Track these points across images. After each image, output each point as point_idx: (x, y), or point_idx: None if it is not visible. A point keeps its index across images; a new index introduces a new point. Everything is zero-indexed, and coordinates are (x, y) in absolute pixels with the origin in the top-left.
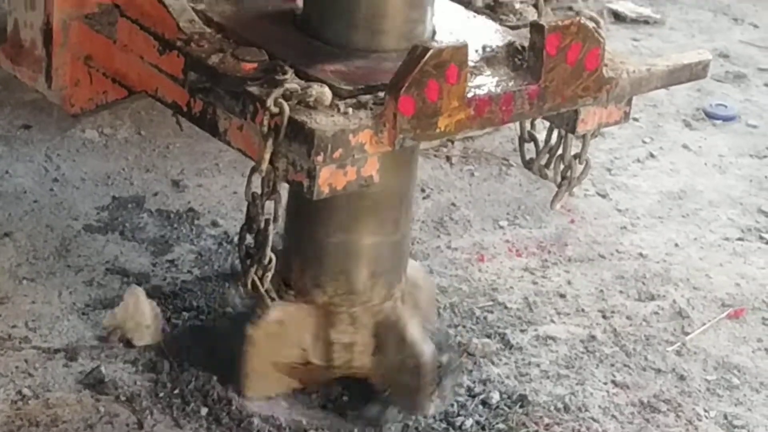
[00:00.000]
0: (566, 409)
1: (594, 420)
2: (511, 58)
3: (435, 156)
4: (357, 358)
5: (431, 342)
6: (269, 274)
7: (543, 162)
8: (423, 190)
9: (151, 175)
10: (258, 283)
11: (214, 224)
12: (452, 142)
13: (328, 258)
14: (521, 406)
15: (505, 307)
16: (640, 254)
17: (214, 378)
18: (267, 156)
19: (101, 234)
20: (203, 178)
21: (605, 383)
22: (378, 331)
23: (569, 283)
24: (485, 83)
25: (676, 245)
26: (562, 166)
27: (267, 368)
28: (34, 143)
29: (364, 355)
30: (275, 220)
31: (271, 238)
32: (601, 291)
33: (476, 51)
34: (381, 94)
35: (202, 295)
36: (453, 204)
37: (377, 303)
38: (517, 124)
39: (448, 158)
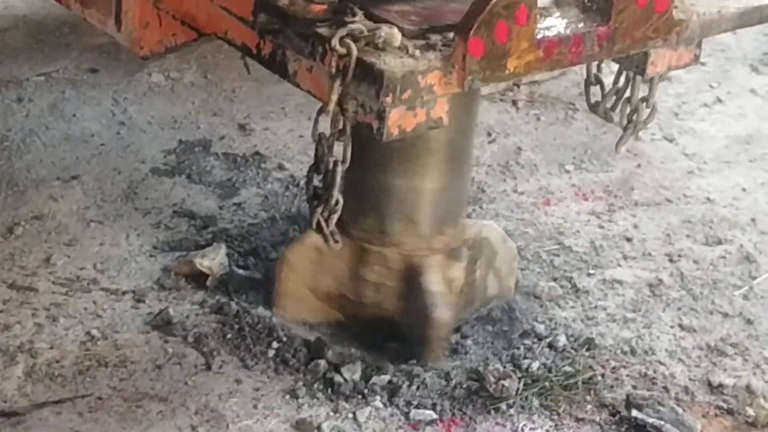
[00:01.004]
0: (633, 352)
1: (660, 363)
2: None
3: (501, 100)
4: (386, 299)
5: (447, 302)
6: (335, 216)
7: (609, 105)
8: (489, 134)
9: (217, 118)
10: (323, 224)
11: (281, 167)
12: (518, 86)
13: (362, 195)
14: (588, 349)
15: (572, 251)
16: (707, 198)
17: (278, 317)
18: (335, 97)
19: (168, 177)
20: (269, 122)
21: (672, 327)
22: (406, 276)
23: (636, 227)
24: (554, 24)
25: (743, 190)
26: (628, 109)
27: (304, 292)
28: (101, 87)
29: (393, 298)
30: (344, 161)
31: (338, 179)
32: (668, 235)
33: None
34: (450, 35)
35: (268, 238)
36: (519, 148)
37: (410, 248)
38: (583, 67)
39: (514, 102)
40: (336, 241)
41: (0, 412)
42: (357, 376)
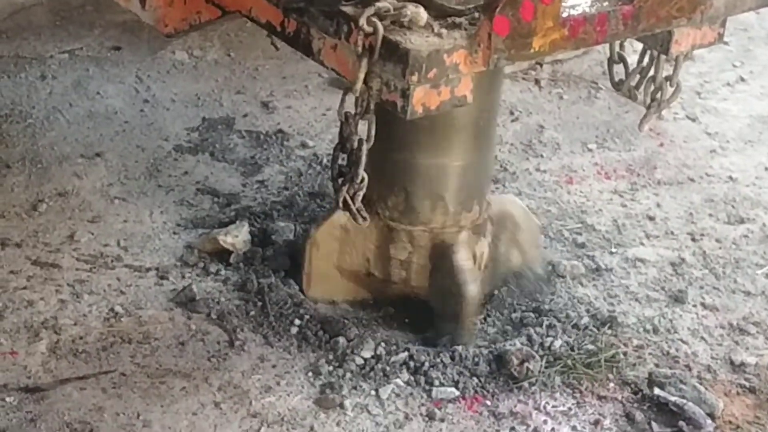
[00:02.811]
0: (655, 330)
1: (683, 342)
2: None
3: (524, 79)
4: (414, 277)
5: (476, 278)
6: (361, 194)
7: (633, 83)
8: (512, 113)
9: (240, 96)
10: (350, 201)
11: (304, 145)
12: (541, 65)
13: (388, 174)
14: (610, 328)
15: (594, 230)
16: (730, 177)
17: (303, 297)
18: (361, 76)
19: (191, 154)
20: (292, 100)
21: (694, 305)
22: (434, 254)
23: (658, 205)
24: (580, 3)
25: (766, 169)
26: (652, 88)
27: (330, 271)
28: (125, 64)
29: (421, 276)
30: (368, 140)
31: (364, 157)
32: (691, 214)
33: None
34: (476, 14)
35: (291, 216)
36: (542, 127)
37: (437, 226)
38: (607, 45)
39: (536, 81)
40: (364, 218)
41: (24, 388)
42: (379, 354)
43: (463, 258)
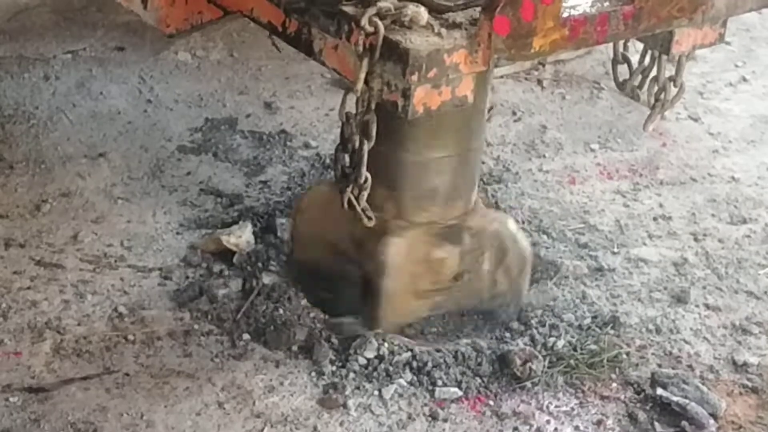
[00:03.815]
0: (658, 330)
1: (685, 342)
2: None
3: (526, 79)
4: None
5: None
6: (365, 193)
7: (636, 83)
8: (514, 113)
9: (243, 96)
10: (354, 202)
11: (307, 146)
12: (543, 65)
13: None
14: (613, 328)
15: (597, 230)
16: (732, 178)
17: (305, 299)
18: (362, 76)
19: (195, 155)
20: (295, 100)
21: (697, 306)
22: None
23: (661, 206)
24: (580, 3)
25: None
26: (655, 88)
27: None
28: (128, 65)
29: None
30: (369, 139)
31: (366, 157)
32: (693, 214)
33: None
34: (476, 14)
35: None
36: (544, 127)
37: (389, 217)
38: (610, 46)
39: (539, 81)
40: (369, 218)
41: (28, 388)
42: (382, 354)
43: (391, 252)
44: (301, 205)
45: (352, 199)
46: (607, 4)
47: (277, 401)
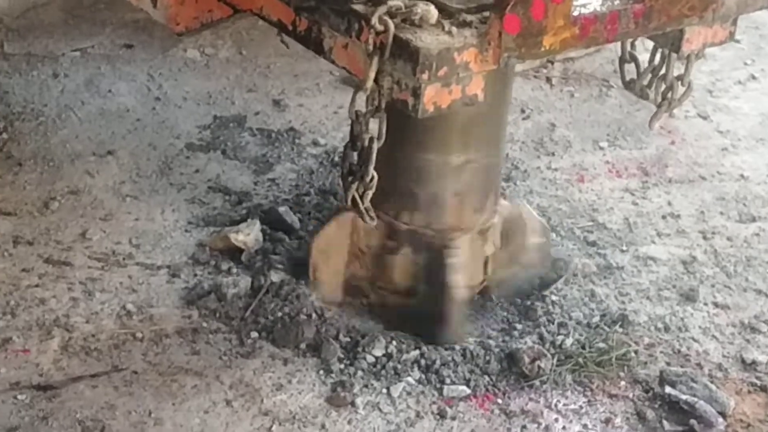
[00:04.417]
0: (666, 329)
1: (694, 340)
2: None
3: (535, 77)
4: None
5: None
6: (370, 192)
7: (645, 82)
8: (523, 111)
9: (252, 94)
10: (358, 200)
11: (315, 143)
12: (552, 63)
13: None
14: (621, 326)
15: (606, 228)
16: (741, 176)
17: (313, 296)
18: (372, 74)
19: (203, 152)
20: (304, 98)
21: (705, 304)
22: (430, 254)
23: (670, 204)
24: (591, 2)
25: None
26: (663, 87)
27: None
28: (137, 62)
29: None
30: (379, 138)
31: (374, 156)
32: (702, 212)
33: None
34: (486, 12)
35: (302, 214)
36: (553, 125)
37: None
38: (618, 44)
39: (548, 79)
40: (371, 218)
41: (36, 386)
42: (391, 352)
43: (456, 261)
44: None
45: (357, 197)
46: (617, 2)
47: (285, 399)
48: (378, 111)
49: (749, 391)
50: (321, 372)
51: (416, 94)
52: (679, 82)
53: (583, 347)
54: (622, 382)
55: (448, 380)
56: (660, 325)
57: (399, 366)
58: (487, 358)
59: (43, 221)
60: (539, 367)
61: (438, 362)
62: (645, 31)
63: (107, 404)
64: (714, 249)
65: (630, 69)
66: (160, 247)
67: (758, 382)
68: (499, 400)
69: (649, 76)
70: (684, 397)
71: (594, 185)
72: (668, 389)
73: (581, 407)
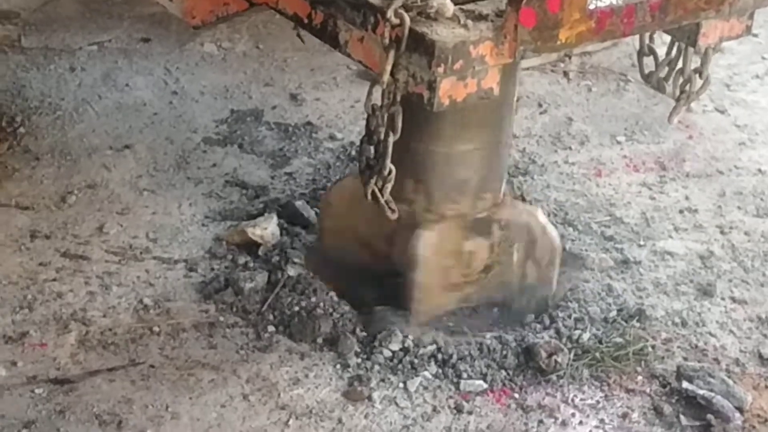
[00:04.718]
0: (684, 323)
1: (711, 335)
2: None
3: (552, 71)
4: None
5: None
6: (389, 185)
7: (662, 75)
8: (540, 105)
9: (269, 88)
10: (378, 194)
11: (332, 137)
12: (569, 57)
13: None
14: (638, 321)
15: (623, 222)
16: (759, 170)
17: (331, 292)
18: (388, 68)
19: (220, 147)
20: (321, 92)
21: (723, 299)
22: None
23: (687, 198)
24: None
25: None
26: (681, 80)
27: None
28: (154, 56)
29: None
30: (395, 132)
31: (390, 149)
32: (719, 207)
33: None
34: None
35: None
36: (570, 119)
37: (419, 210)
38: (636, 38)
39: (565, 73)
40: (392, 210)
41: (53, 380)
42: (407, 346)
43: (422, 245)
44: (329, 199)
45: (376, 191)
46: None
47: (302, 393)
48: (394, 105)
49: (767, 386)
50: (338, 366)
51: (432, 87)
52: (697, 75)
53: (600, 342)
54: (639, 377)
55: (464, 375)
56: (677, 320)
57: (416, 360)
58: (504, 352)
59: (61, 215)
60: (556, 361)
61: (455, 357)
62: (661, 24)
63: (124, 398)
64: (731, 243)
65: (649, 62)
66: (177, 241)
67: None
68: (516, 395)
69: (666, 69)
70: (701, 392)
71: (611, 180)
72: (685, 384)
73: (598, 402)
